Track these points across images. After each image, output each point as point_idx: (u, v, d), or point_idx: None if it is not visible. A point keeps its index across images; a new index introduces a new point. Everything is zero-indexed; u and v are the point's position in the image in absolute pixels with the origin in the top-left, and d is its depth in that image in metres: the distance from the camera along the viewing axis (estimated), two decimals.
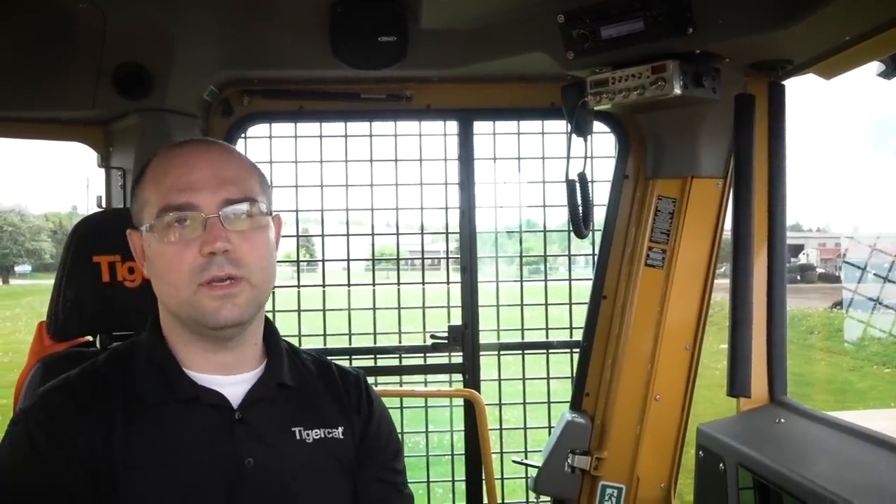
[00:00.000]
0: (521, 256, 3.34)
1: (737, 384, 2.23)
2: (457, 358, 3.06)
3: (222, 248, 1.36)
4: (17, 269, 42.10)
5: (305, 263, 3.53)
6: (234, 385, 1.46)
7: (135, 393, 1.41)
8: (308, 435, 1.48)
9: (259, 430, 1.44)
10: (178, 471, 1.37)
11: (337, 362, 1.64)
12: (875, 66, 2.24)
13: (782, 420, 2.13)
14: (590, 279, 2.94)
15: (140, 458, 1.36)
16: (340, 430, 1.52)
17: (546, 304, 3.19)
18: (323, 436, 1.49)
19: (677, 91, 2.15)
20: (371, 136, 3.04)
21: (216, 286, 1.37)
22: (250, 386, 1.47)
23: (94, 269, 1.77)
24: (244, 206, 1.40)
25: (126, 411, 1.39)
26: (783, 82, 2.36)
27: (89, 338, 1.88)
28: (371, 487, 1.55)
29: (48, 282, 1.82)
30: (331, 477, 1.49)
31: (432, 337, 3.06)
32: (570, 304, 3.17)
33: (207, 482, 1.38)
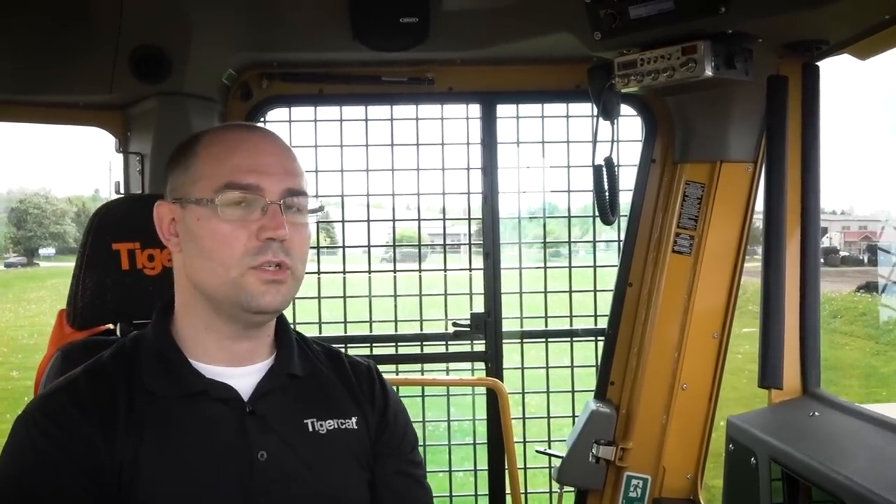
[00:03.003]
0: (544, 243, 3.28)
1: (768, 375, 2.18)
2: (479, 346, 3.02)
3: (283, 235, 1.36)
4: (42, 251, 42.65)
5: (325, 249, 3.48)
6: (243, 377, 1.43)
7: (141, 389, 1.39)
8: (321, 426, 1.46)
9: (271, 422, 1.41)
10: (188, 467, 1.35)
11: (348, 353, 1.62)
12: None
13: (816, 413, 2.07)
14: (615, 265, 2.88)
15: (148, 457, 1.33)
16: (354, 420, 1.50)
17: (570, 292, 3.13)
18: (337, 426, 1.47)
19: (709, 73, 2.09)
20: (392, 119, 2.99)
21: (266, 271, 1.37)
22: (261, 377, 1.44)
23: (113, 256, 1.75)
24: (303, 199, 1.41)
25: (132, 409, 1.36)
26: (817, 63, 2.29)
27: (109, 326, 1.86)
28: (392, 481, 1.52)
29: (72, 264, 1.80)
30: (346, 467, 1.47)
31: (454, 325, 3.02)
32: (595, 290, 3.11)
33: (220, 477, 1.36)
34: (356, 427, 1.49)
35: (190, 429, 1.37)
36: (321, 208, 1.45)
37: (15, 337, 17.13)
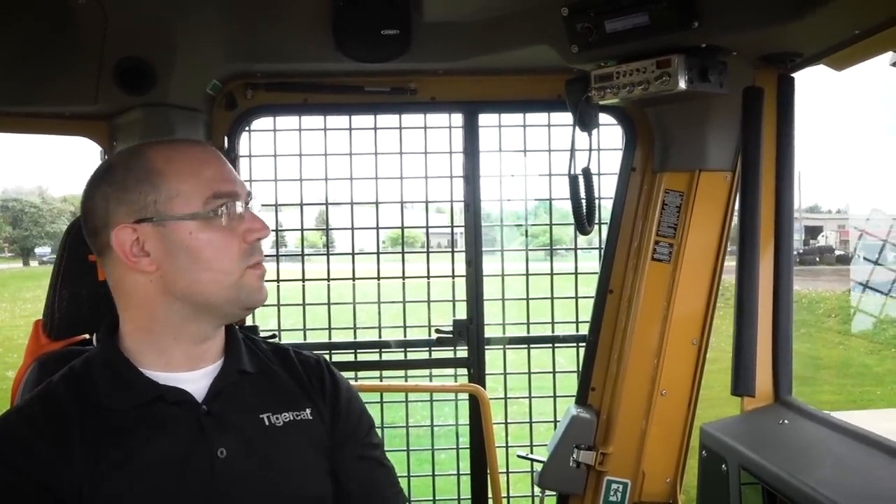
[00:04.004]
0: (526, 250, 3.32)
1: (741, 383, 2.21)
2: (462, 352, 3.05)
3: (267, 234, 1.47)
4: (37, 250, 42.57)
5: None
6: (195, 381, 1.47)
7: (95, 406, 1.41)
8: (277, 419, 1.50)
9: (228, 420, 1.45)
10: (149, 473, 1.37)
11: (296, 349, 1.66)
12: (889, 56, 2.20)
13: (786, 421, 2.11)
14: (596, 272, 2.91)
15: (107, 470, 1.36)
16: (308, 411, 1.54)
17: (552, 298, 3.17)
18: (292, 418, 1.51)
19: (682, 86, 2.12)
20: (376, 128, 3.02)
21: (258, 268, 1.47)
22: (213, 378, 1.48)
23: (90, 268, 1.76)
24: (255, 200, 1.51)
25: (86, 427, 1.38)
26: (792, 75, 2.32)
27: (86, 336, 1.87)
28: (353, 467, 1.56)
29: None
30: (305, 459, 1.50)
31: (437, 331, 3.05)
32: (577, 297, 3.14)
33: (182, 479, 1.39)
34: (311, 418, 1.53)
35: (148, 436, 1.40)
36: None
37: (10, 336, 17.09)
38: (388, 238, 3.64)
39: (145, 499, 1.36)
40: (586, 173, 2.46)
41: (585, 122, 2.41)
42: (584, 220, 2.45)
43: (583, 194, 2.46)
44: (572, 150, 2.46)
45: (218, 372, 1.49)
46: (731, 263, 2.67)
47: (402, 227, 3.16)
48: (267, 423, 1.48)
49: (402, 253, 3.17)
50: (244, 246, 1.44)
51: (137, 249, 1.41)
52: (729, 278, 2.68)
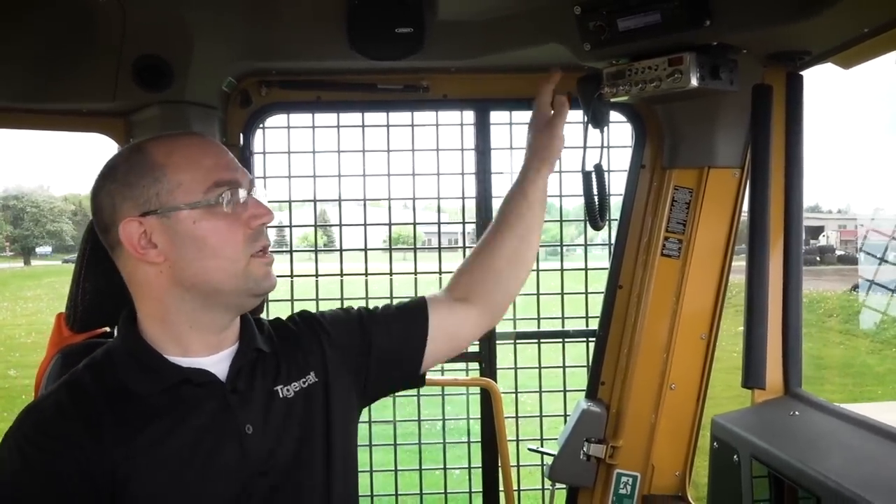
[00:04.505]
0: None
1: (751, 375, 2.24)
2: (473, 346, 3.08)
3: (271, 219, 1.50)
4: (38, 250, 42.59)
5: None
6: (215, 364, 1.52)
7: (121, 392, 1.45)
8: (289, 391, 1.56)
9: (250, 396, 1.51)
10: (182, 454, 1.42)
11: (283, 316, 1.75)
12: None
13: (797, 412, 2.14)
14: (606, 268, 2.95)
15: (139, 453, 1.40)
16: (312, 374, 1.61)
17: (562, 294, 3.20)
18: (301, 387, 1.58)
19: (694, 83, 2.14)
20: (388, 126, 3.05)
21: (265, 256, 1.49)
22: (231, 359, 1.53)
23: (112, 261, 1.80)
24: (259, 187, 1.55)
25: (115, 412, 1.42)
26: (801, 73, 2.35)
27: (107, 329, 1.91)
28: (387, 340, 1.71)
29: (71, 264, 1.84)
30: (316, 424, 1.58)
31: None
32: (587, 293, 3.17)
33: (215, 456, 1.44)
34: (316, 379, 1.60)
35: (177, 418, 1.44)
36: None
37: (12, 335, 17.11)
38: (401, 237, 3.65)
39: (180, 477, 1.41)
40: (598, 169, 2.48)
41: (598, 119, 2.43)
42: (596, 216, 2.47)
43: (595, 191, 2.48)
44: (585, 147, 2.48)
45: (235, 353, 1.54)
46: (737, 264, 2.70)
47: (415, 224, 3.19)
48: (280, 395, 1.55)
49: (415, 249, 3.19)
50: (249, 232, 1.47)
51: (145, 242, 1.46)
52: (734, 277, 2.71)
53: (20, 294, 25.12)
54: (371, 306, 1.79)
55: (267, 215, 1.49)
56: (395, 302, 1.87)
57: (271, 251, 1.53)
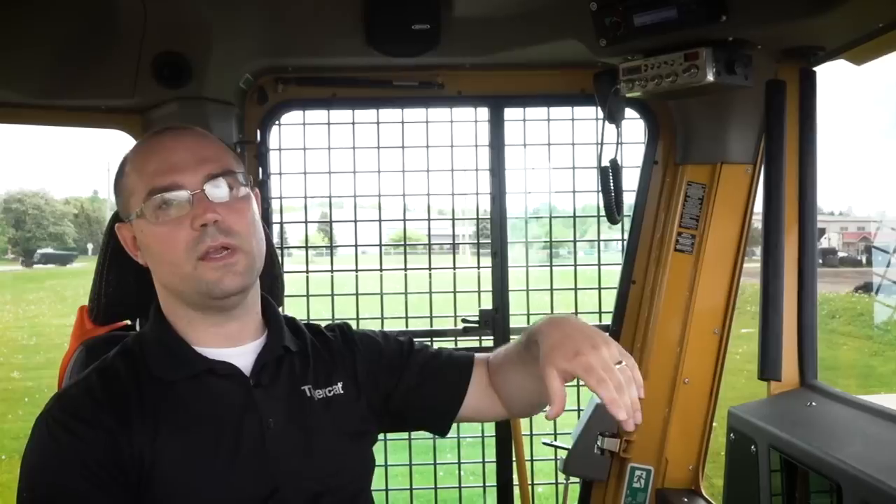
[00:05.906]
0: (549, 242, 3.37)
1: (768, 368, 2.27)
2: (487, 341, 3.10)
3: (212, 218, 1.43)
4: (39, 251, 42.58)
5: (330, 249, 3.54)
6: (241, 356, 1.54)
7: (149, 378, 1.48)
8: (318, 393, 1.58)
9: (274, 393, 1.52)
10: (206, 443, 1.44)
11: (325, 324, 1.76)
12: None
13: (813, 403, 2.16)
14: (619, 264, 2.97)
15: (165, 439, 1.42)
16: (340, 385, 1.62)
17: (575, 289, 3.21)
18: (326, 395, 1.59)
19: (710, 78, 2.17)
20: (403, 122, 3.06)
21: (214, 258, 1.44)
22: (257, 353, 1.55)
23: None
24: (225, 179, 1.48)
25: (143, 398, 1.45)
26: (814, 68, 2.37)
27: (128, 322, 1.93)
28: (420, 371, 1.70)
29: (71, 265, 1.85)
30: (340, 432, 1.58)
31: (463, 321, 3.10)
32: (600, 288, 3.19)
33: (237, 447, 1.46)
34: (342, 392, 1.61)
35: (202, 407, 1.47)
36: (249, 184, 1.54)
37: (15, 338, 17.11)
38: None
39: (202, 466, 1.43)
40: (614, 165, 2.51)
41: (613, 114, 2.47)
42: (613, 210, 2.50)
43: (612, 185, 2.51)
44: (600, 142, 2.51)
45: (262, 348, 1.56)
46: (749, 265, 2.73)
47: (429, 220, 3.20)
48: (308, 394, 1.57)
49: (429, 245, 3.21)
50: (193, 235, 1.42)
51: (132, 244, 1.54)
52: (746, 281, 2.74)
53: (22, 297, 25.13)
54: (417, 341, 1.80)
55: (204, 214, 1.42)
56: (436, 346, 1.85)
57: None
